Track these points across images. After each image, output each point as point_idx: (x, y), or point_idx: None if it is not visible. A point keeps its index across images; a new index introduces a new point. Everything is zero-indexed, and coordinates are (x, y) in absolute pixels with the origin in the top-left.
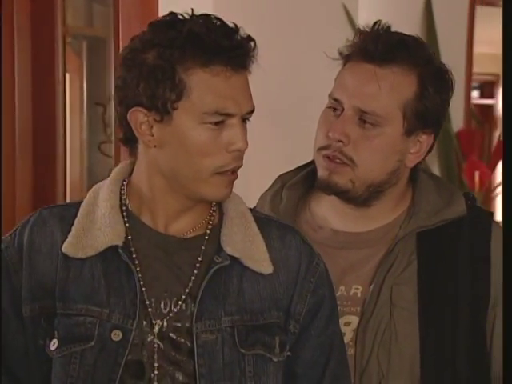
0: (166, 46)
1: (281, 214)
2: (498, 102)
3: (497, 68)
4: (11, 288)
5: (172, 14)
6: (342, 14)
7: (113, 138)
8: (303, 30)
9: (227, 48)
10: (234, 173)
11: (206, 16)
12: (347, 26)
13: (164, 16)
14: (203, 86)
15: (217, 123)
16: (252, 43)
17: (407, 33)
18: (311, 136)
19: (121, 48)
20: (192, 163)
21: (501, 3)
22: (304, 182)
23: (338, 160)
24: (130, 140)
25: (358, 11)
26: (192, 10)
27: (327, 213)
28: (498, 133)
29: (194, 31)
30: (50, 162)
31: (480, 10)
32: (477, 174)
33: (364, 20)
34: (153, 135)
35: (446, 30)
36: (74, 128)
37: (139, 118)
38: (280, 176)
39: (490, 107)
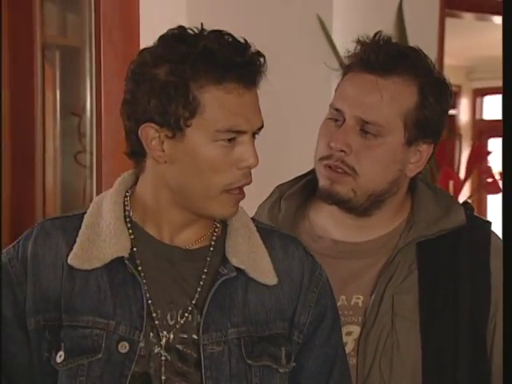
0: (179, 62)
1: (279, 224)
2: (459, 112)
3: (458, 79)
4: (15, 300)
5: (181, 27)
6: (316, 23)
7: (88, 148)
8: (277, 39)
9: (240, 65)
10: (241, 191)
11: (218, 32)
12: (321, 35)
13: (172, 29)
14: (216, 103)
15: (229, 140)
16: (262, 59)
17: None
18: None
19: (102, 57)
20: (202, 180)
21: (462, 15)
22: (302, 191)
23: (339, 170)
24: (136, 154)
25: (332, 21)
26: (202, 24)
27: (326, 223)
28: (464, 142)
29: (208, 47)
30: (27, 171)
31: (460, 22)
32: (451, 184)
33: (338, 29)
34: (163, 151)
35: (417, 40)
36: (47, 138)
37: (150, 133)
38: (278, 186)
39: (452, 117)
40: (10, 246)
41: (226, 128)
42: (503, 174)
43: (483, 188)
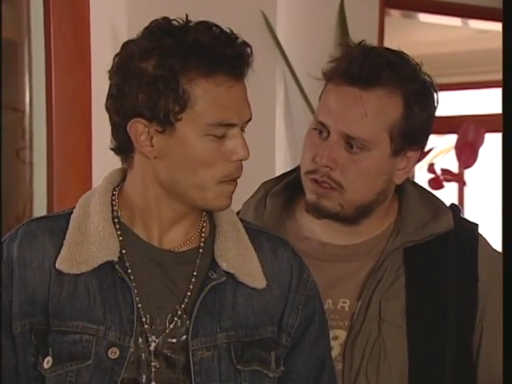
0: (168, 55)
1: (265, 222)
2: None
3: None
4: (0, 304)
5: (165, 18)
6: (261, 20)
7: (30, 143)
8: None
9: (231, 57)
10: (235, 182)
11: (206, 23)
12: (266, 32)
13: (156, 21)
14: (207, 96)
15: (219, 134)
16: (249, 49)
17: (321, 38)
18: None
19: (53, 51)
20: (195, 174)
21: (407, 14)
22: (287, 189)
23: (326, 185)
24: (124, 149)
25: (276, 18)
26: (186, 15)
27: (314, 225)
28: None
29: (198, 40)
30: None
31: (387, 19)
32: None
33: (282, 26)
34: (153, 146)
35: (359, 37)
36: None
37: (139, 128)
38: (263, 183)
39: None
40: None
41: (216, 122)
42: (503, 173)
43: (427, 184)
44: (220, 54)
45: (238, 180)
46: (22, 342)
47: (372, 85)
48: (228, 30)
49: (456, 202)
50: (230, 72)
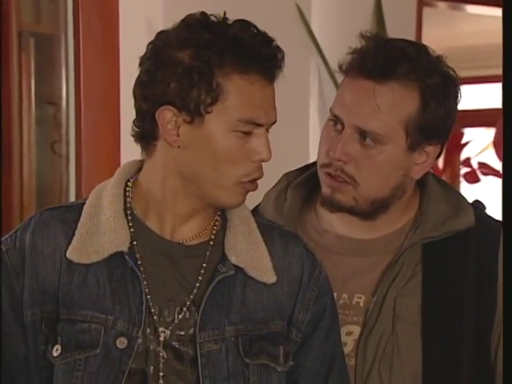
0: (205, 48)
1: (284, 214)
2: None
3: None
4: (12, 292)
5: (203, 13)
6: (295, 13)
7: (64, 137)
8: None
9: (266, 57)
10: (254, 183)
11: (244, 22)
12: (300, 25)
13: (193, 15)
14: (240, 93)
15: (246, 132)
16: (282, 53)
17: (356, 31)
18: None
19: (81, 45)
20: (217, 169)
21: (437, 4)
22: (309, 181)
23: (339, 178)
24: (146, 136)
25: (311, 10)
26: (224, 12)
27: (332, 218)
28: None
29: (237, 36)
30: (5, 161)
31: (433, 11)
32: None
33: (317, 18)
34: (179, 135)
35: (396, 29)
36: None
37: (167, 116)
38: (285, 174)
39: None
40: (7, 236)
41: (247, 118)
42: (504, 175)
43: (463, 178)
44: (257, 52)
45: (257, 182)
46: (33, 330)
47: (386, 78)
48: (264, 32)
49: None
50: (264, 72)
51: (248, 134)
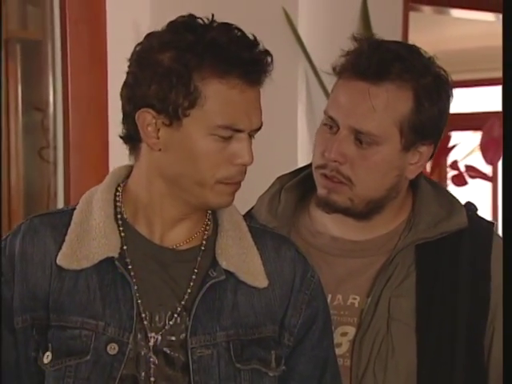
0: (184, 50)
1: (278, 217)
2: None
3: None
4: (2, 298)
5: (191, 15)
6: (282, 17)
7: (52, 143)
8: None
9: (246, 61)
10: (237, 183)
11: (228, 25)
12: (288, 29)
13: (182, 17)
14: (218, 97)
15: (225, 137)
16: (269, 58)
17: (343, 35)
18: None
19: (69, 50)
20: (197, 170)
21: (423, 9)
22: (303, 184)
23: (335, 179)
24: (132, 139)
25: (297, 14)
26: (212, 15)
27: (326, 219)
28: None
29: (215, 39)
30: None
31: (419, 15)
32: None
33: (304, 23)
34: (158, 138)
35: (383, 34)
36: (10, 133)
37: (147, 119)
38: (279, 177)
39: None
40: None
41: (226, 124)
42: (503, 174)
43: (450, 181)
44: (235, 56)
45: (241, 183)
46: (23, 337)
47: (381, 79)
48: (251, 36)
49: (489, 200)
50: (243, 76)
51: (228, 138)
